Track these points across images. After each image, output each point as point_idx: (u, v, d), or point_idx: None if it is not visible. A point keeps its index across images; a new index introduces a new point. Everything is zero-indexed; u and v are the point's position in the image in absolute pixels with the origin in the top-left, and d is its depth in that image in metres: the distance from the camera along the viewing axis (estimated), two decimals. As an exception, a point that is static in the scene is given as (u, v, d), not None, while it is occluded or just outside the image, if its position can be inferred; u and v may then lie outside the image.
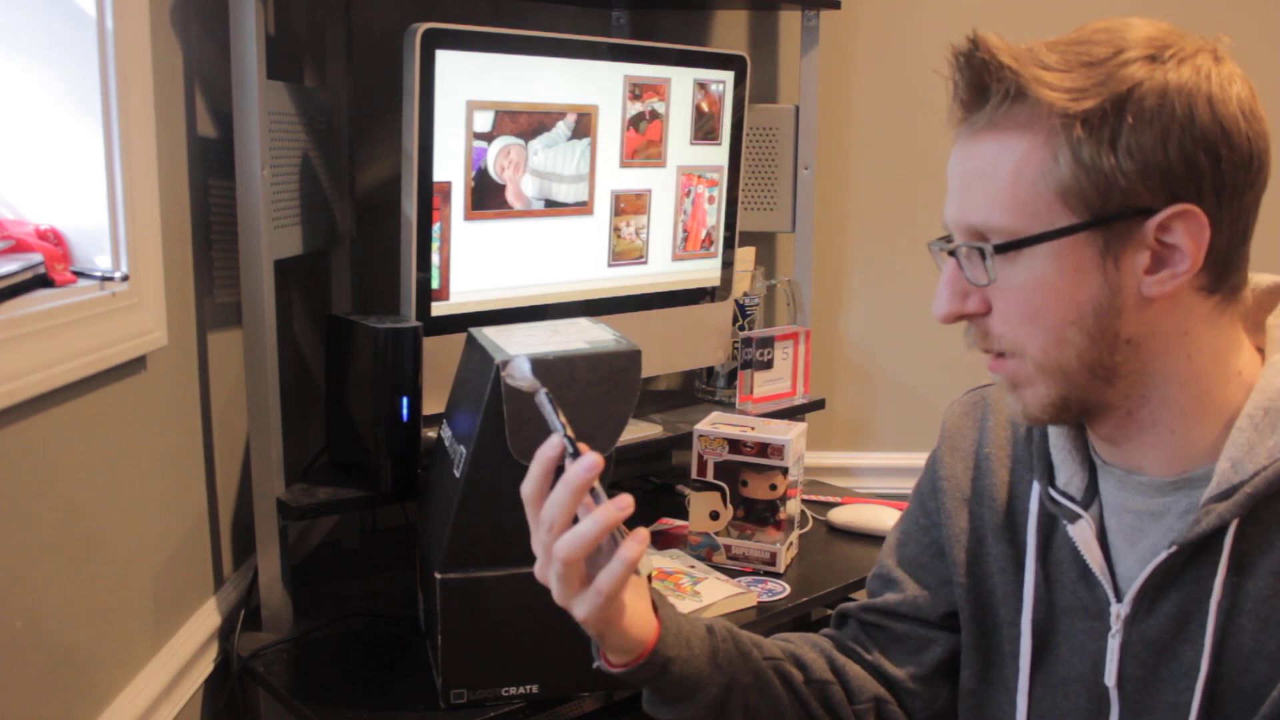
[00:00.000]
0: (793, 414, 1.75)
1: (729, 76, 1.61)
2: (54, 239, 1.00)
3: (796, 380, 1.79)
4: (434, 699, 1.13)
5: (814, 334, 1.82)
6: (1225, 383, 0.75)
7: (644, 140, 1.54)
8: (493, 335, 1.12)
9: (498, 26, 1.33)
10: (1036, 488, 0.86)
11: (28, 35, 0.98)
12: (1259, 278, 0.80)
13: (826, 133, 1.86)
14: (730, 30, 1.94)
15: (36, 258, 0.96)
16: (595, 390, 1.05)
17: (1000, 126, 0.72)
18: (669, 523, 1.59)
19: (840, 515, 1.64)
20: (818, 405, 1.84)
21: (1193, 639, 0.76)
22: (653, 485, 1.80)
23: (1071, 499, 0.83)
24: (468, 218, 1.35)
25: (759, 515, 1.48)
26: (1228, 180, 0.69)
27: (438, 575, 1.08)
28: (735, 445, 1.45)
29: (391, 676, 1.21)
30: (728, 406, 1.74)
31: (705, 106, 1.60)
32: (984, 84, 0.72)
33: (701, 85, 1.58)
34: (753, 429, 1.46)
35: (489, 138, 1.35)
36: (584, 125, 1.45)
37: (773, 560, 1.45)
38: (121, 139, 1.01)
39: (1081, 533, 0.81)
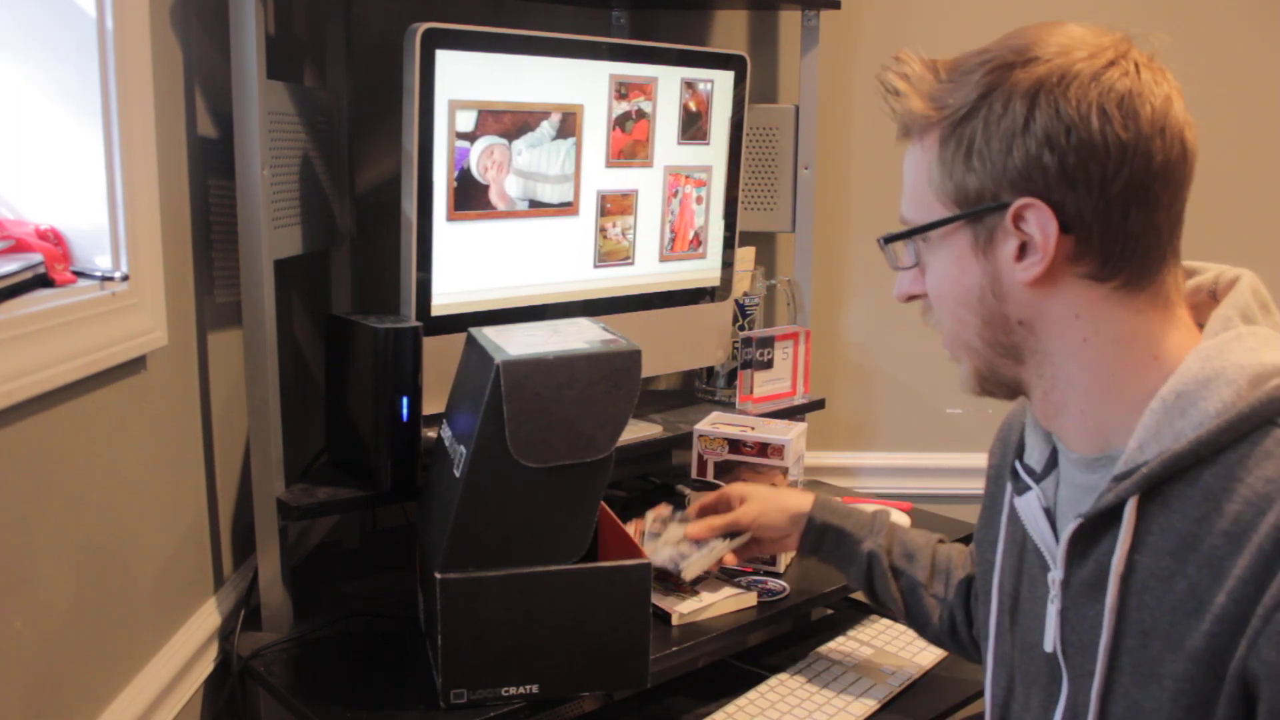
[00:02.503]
0: (793, 414, 1.75)
1: (728, 76, 1.61)
2: (54, 239, 1.00)
3: (796, 380, 1.79)
4: (434, 699, 1.13)
5: (814, 334, 1.82)
6: (1138, 367, 0.78)
7: (630, 140, 1.53)
8: (492, 335, 1.12)
9: (497, 26, 1.33)
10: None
11: (28, 35, 0.98)
12: (1227, 272, 0.83)
13: (826, 133, 1.86)
14: (730, 30, 1.94)
15: (36, 258, 0.96)
16: (595, 390, 1.05)
17: (915, 137, 0.83)
18: (669, 523, 1.59)
19: (840, 515, 1.64)
20: (818, 405, 1.84)
21: (1101, 610, 0.81)
22: (653, 485, 1.80)
23: (1031, 471, 0.89)
24: (450, 218, 1.34)
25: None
26: (1078, 173, 0.74)
27: (438, 575, 1.08)
28: (735, 445, 1.45)
29: (391, 676, 1.21)
30: (728, 406, 1.74)
31: (693, 106, 1.59)
32: (893, 109, 0.83)
33: (689, 84, 1.57)
34: (753, 429, 1.46)
35: (471, 137, 1.34)
36: (569, 125, 1.44)
37: (773, 560, 1.45)
38: (121, 139, 1.01)
39: (1027, 504, 0.88)
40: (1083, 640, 0.83)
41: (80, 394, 0.98)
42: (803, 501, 1.26)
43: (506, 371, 1.02)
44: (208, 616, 1.26)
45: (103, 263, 1.02)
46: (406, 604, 1.35)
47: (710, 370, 1.82)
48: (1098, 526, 0.81)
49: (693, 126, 1.60)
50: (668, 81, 1.54)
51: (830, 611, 1.59)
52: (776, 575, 1.45)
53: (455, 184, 1.33)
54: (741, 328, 1.78)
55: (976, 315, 0.81)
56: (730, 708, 1.29)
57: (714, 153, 1.65)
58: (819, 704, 1.30)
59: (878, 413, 2.03)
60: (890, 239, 0.86)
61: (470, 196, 1.36)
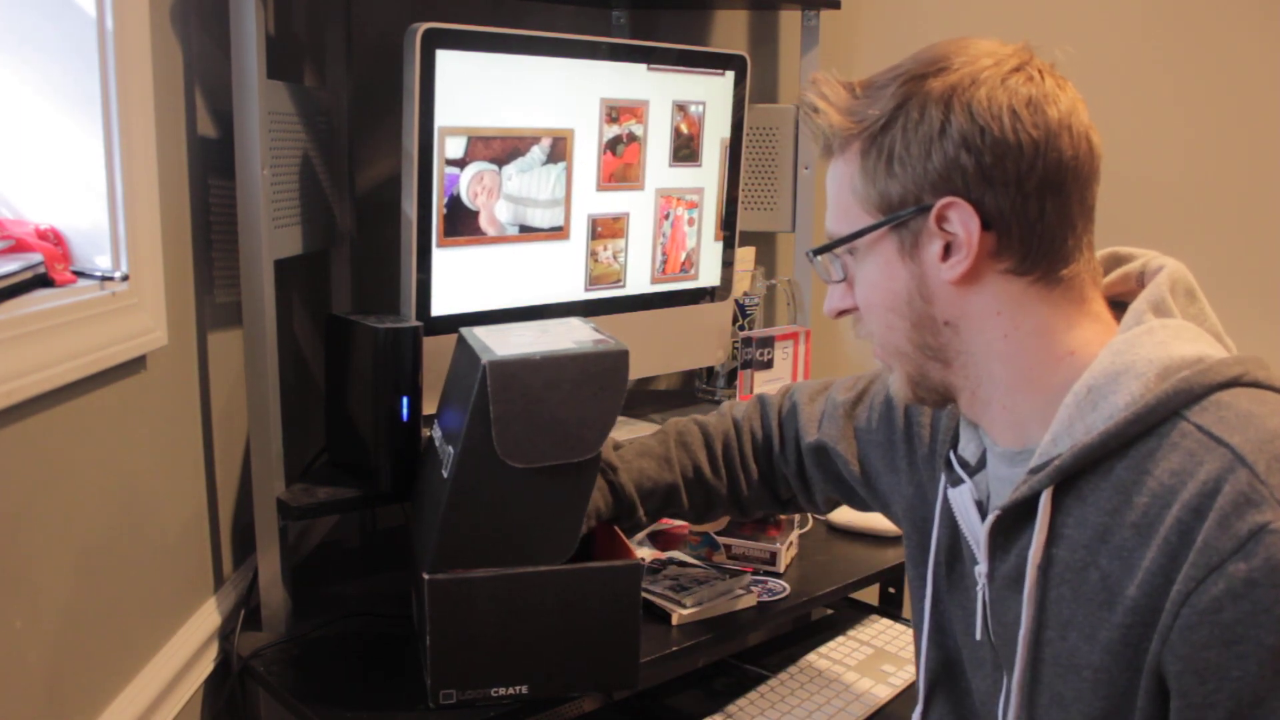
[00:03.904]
0: (793, 414, 1.75)
1: (727, 78, 1.61)
2: (54, 239, 1.00)
3: (796, 380, 1.79)
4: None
5: (814, 334, 1.82)
6: (1053, 361, 0.81)
7: (621, 163, 1.52)
8: (482, 335, 1.12)
9: (497, 26, 1.33)
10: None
11: (28, 36, 0.98)
12: (1152, 261, 0.86)
13: (826, 133, 1.86)
14: (730, 30, 1.94)
15: (36, 258, 0.96)
16: (583, 390, 1.05)
17: (836, 153, 0.86)
18: (669, 523, 1.59)
19: (840, 515, 1.64)
20: (818, 405, 1.84)
21: (1020, 601, 0.82)
22: (653, 485, 1.80)
23: (965, 464, 0.92)
24: (440, 244, 1.34)
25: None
26: (994, 170, 0.78)
27: (425, 576, 1.08)
28: (735, 445, 1.44)
29: (392, 676, 1.21)
30: (728, 406, 1.74)
31: (684, 128, 1.58)
32: (813, 127, 0.87)
33: (680, 107, 1.57)
34: (753, 429, 1.46)
35: (461, 164, 1.33)
36: (559, 149, 1.43)
37: (773, 560, 1.45)
38: (121, 139, 1.01)
39: (960, 496, 0.90)
40: (1008, 632, 0.85)
41: (80, 394, 0.98)
42: None
43: (493, 371, 1.02)
44: (208, 616, 1.26)
45: (103, 263, 1.02)
46: (406, 604, 1.35)
47: (710, 370, 1.82)
48: (1017, 520, 0.82)
49: (684, 149, 1.59)
50: (659, 104, 1.54)
51: (830, 611, 1.59)
52: (776, 575, 1.45)
53: (445, 210, 1.33)
54: (741, 328, 1.78)
55: (905, 319, 0.84)
56: (730, 708, 1.29)
57: (706, 174, 1.64)
58: (819, 704, 1.30)
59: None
60: (819, 251, 0.89)
61: (460, 222, 1.35)
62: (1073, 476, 0.78)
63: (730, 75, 1.61)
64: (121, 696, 1.06)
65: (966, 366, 0.84)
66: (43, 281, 0.96)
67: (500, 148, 1.36)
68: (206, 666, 1.25)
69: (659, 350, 1.64)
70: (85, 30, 0.98)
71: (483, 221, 1.37)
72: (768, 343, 1.73)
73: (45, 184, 1.01)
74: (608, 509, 1.20)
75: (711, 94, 1.61)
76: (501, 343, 1.07)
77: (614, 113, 1.48)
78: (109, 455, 1.05)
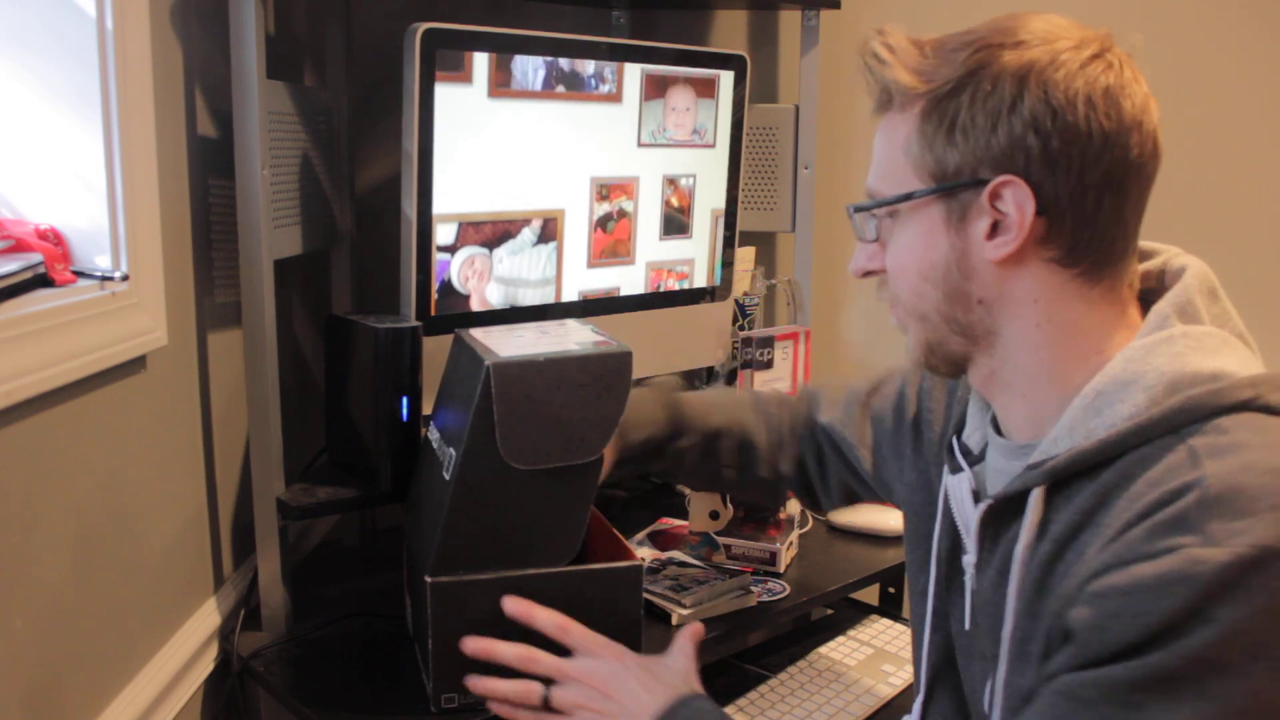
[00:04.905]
0: (793, 414, 1.75)
1: (728, 78, 1.61)
2: (54, 239, 1.00)
3: (796, 380, 1.79)
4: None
5: (814, 334, 1.82)
6: (1080, 359, 0.80)
7: (612, 240, 1.52)
8: (481, 336, 1.11)
9: (498, 26, 1.33)
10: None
11: (28, 36, 0.98)
12: (1174, 260, 0.84)
13: (826, 133, 1.86)
14: (730, 30, 1.94)
15: (36, 258, 0.96)
16: (586, 392, 1.04)
17: (892, 110, 0.84)
18: (669, 522, 1.59)
19: (840, 515, 1.64)
20: (818, 405, 1.84)
21: (1005, 596, 0.82)
22: (652, 485, 1.80)
23: (968, 452, 0.91)
24: (428, 333, 1.32)
25: (759, 515, 1.49)
26: (1059, 156, 0.76)
27: (428, 579, 1.07)
28: (735, 445, 1.44)
29: (392, 676, 1.21)
30: (728, 406, 1.74)
31: (675, 201, 1.59)
32: (875, 78, 0.86)
33: (671, 180, 1.57)
34: (753, 429, 1.46)
35: (452, 249, 1.33)
36: (550, 229, 1.43)
37: (773, 560, 1.45)
38: (121, 139, 1.01)
39: (956, 485, 0.90)
40: (991, 624, 0.85)
41: (80, 394, 0.98)
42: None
43: (497, 373, 1.02)
44: (208, 616, 1.26)
45: (103, 263, 1.02)
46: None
47: (710, 370, 1.82)
48: (1008, 513, 0.82)
49: (674, 222, 1.60)
50: (649, 179, 1.54)
51: (830, 611, 1.59)
52: (776, 575, 1.45)
53: (436, 295, 1.34)
54: (741, 327, 1.78)
55: (939, 289, 0.82)
56: (730, 708, 1.29)
57: (697, 245, 1.65)
58: (819, 704, 1.30)
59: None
60: (860, 208, 0.86)
61: (452, 307, 1.36)
62: (1066, 478, 0.77)
63: (730, 75, 1.61)
64: (121, 696, 1.06)
65: (994, 347, 0.83)
66: (43, 281, 0.96)
67: (491, 231, 1.37)
68: (206, 666, 1.25)
69: (659, 350, 1.64)
70: (85, 30, 0.98)
71: (474, 304, 1.38)
72: (768, 343, 1.73)
73: (45, 184, 1.01)
74: (666, 422, 1.22)
75: (702, 166, 1.61)
76: (503, 344, 1.07)
77: (604, 190, 1.49)
78: (109, 455, 1.05)
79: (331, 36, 1.50)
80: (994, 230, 0.79)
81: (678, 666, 1.04)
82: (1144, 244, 0.85)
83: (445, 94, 1.27)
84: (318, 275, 1.57)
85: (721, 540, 1.47)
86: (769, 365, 1.74)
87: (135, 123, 1.04)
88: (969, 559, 0.87)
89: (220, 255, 1.29)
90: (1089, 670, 0.70)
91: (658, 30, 1.90)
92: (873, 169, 0.86)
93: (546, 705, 1.02)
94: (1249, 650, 0.65)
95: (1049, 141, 0.76)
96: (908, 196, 0.82)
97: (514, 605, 1.05)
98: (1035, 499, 0.79)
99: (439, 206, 1.31)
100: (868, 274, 0.89)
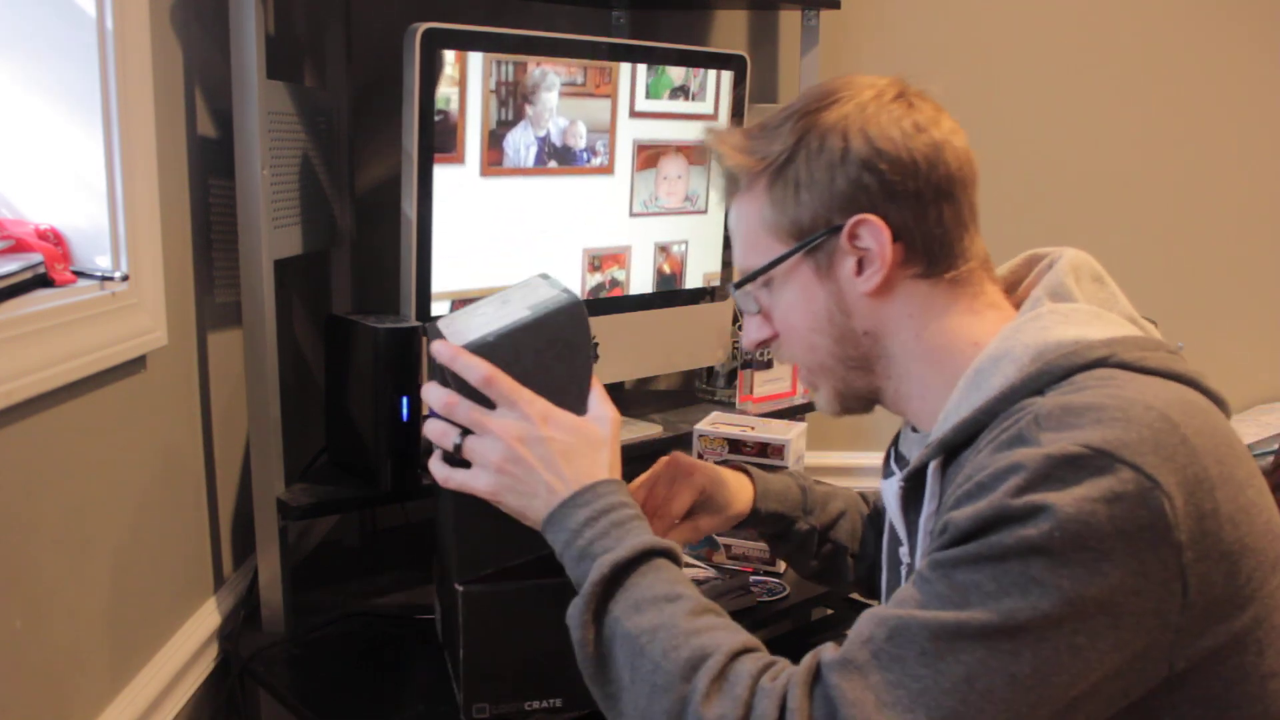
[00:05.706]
0: (793, 414, 1.75)
1: (727, 79, 1.61)
2: (54, 239, 1.00)
3: (796, 380, 1.79)
4: (435, 699, 1.13)
5: (814, 334, 1.81)
6: (960, 353, 0.87)
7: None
8: (444, 326, 1.04)
9: (498, 26, 1.33)
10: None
11: (28, 36, 0.98)
12: (1054, 252, 0.91)
13: (826, 133, 1.86)
14: (730, 30, 1.94)
15: (36, 258, 0.96)
16: (546, 356, 0.98)
17: (740, 192, 0.92)
18: (669, 523, 1.59)
19: (840, 515, 1.64)
20: (818, 405, 1.84)
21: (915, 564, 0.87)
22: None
23: (902, 459, 0.97)
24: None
25: (759, 515, 1.48)
26: (896, 186, 0.85)
27: (459, 587, 1.05)
28: (735, 445, 1.45)
29: (392, 676, 1.21)
30: (728, 406, 1.74)
31: (667, 268, 1.60)
32: (721, 169, 0.93)
33: (663, 248, 1.59)
34: (753, 429, 1.46)
35: None
36: None
37: (773, 560, 1.45)
38: (121, 139, 1.01)
39: (889, 487, 0.94)
40: None
41: (80, 394, 0.98)
42: (744, 491, 1.21)
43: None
44: (207, 616, 1.26)
45: (103, 263, 1.02)
46: (407, 604, 1.35)
47: (710, 370, 1.82)
48: (917, 493, 0.87)
49: (667, 288, 1.62)
50: (641, 249, 1.56)
51: (830, 611, 1.59)
52: (776, 575, 1.45)
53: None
54: (741, 327, 1.78)
55: (828, 336, 0.90)
56: (730, 708, 1.28)
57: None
58: (819, 704, 1.29)
59: (878, 412, 2.03)
60: (740, 283, 0.94)
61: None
62: (955, 449, 0.82)
63: (730, 75, 1.61)
64: (121, 696, 1.06)
65: (888, 368, 0.90)
66: (43, 281, 0.96)
67: None
68: (206, 666, 1.25)
69: (659, 350, 1.64)
70: (85, 30, 0.98)
71: None
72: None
73: (45, 184, 1.01)
74: (798, 500, 1.21)
75: (695, 232, 1.62)
76: (465, 328, 1.00)
77: (596, 261, 1.50)
78: (109, 455, 1.05)
79: (331, 36, 1.51)
80: (860, 266, 0.87)
81: (601, 434, 0.97)
82: (1041, 249, 0.93)
83: (439, 175, 1.29)
84: (318, 275, 1.57)
85: (721, 540, 1.47)
86: (769, 365, 1.74)
87: (135, 123, 1.04)
88: (904, 549, 0.92)
89: (220, 255, 1.29)
90: (933, 554, 0.74)
91: (658, 30, 1.90)
92: (737, 249, 0.95)
93: (459, 453, 0.95)
94: (1076, 540, 0.68)
95: (883, 176, 0.85)
96: (778, 261, 0.90)
97: (441, 347, 0.95)
98: (932, 472, 0.84)
99: (433, 285, 1.33)
100: (761, 344, 0.96)
